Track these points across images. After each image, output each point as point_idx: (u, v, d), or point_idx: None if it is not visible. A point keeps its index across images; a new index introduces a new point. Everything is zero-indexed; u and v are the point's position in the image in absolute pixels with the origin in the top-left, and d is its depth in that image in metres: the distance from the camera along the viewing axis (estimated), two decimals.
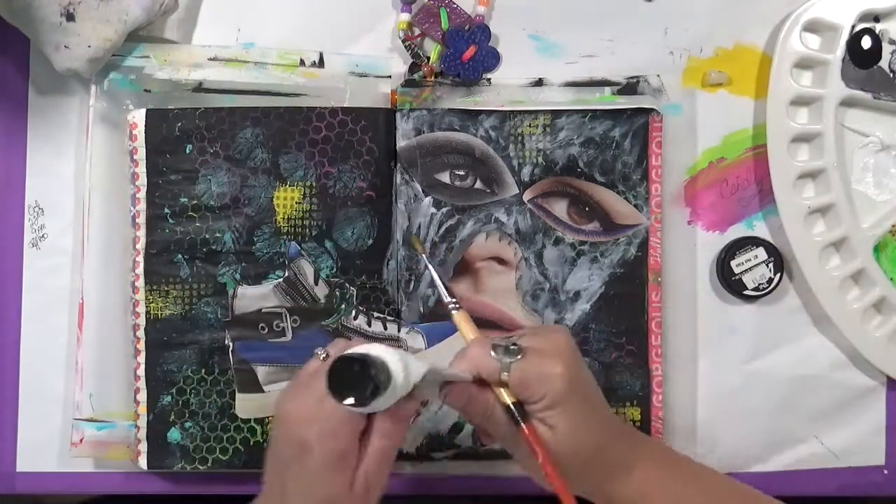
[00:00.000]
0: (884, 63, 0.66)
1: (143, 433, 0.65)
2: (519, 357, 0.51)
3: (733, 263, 0.66)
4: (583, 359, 0.54)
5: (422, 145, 0.65)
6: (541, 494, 0.70)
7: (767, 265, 0.66)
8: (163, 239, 0.65)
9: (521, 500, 0.69)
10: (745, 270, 0.66)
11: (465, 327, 0.55)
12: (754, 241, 0.67)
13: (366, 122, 0.65)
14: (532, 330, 0.57)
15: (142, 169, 0.65)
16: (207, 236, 0.65)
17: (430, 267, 0.61)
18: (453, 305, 0.56)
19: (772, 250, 0.66)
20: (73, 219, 0.67)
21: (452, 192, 0.66)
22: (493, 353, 0.51)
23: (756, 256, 0.66)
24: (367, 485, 0.49)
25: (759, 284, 0.66)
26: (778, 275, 0.66)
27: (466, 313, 0.56)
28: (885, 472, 0.69)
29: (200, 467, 0.65)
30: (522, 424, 0.50)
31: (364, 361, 0.45)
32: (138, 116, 0.65)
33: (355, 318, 0.65)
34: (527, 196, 0.66)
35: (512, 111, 0.65)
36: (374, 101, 0.66)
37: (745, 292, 0.66)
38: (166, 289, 0.65)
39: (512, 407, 0.51)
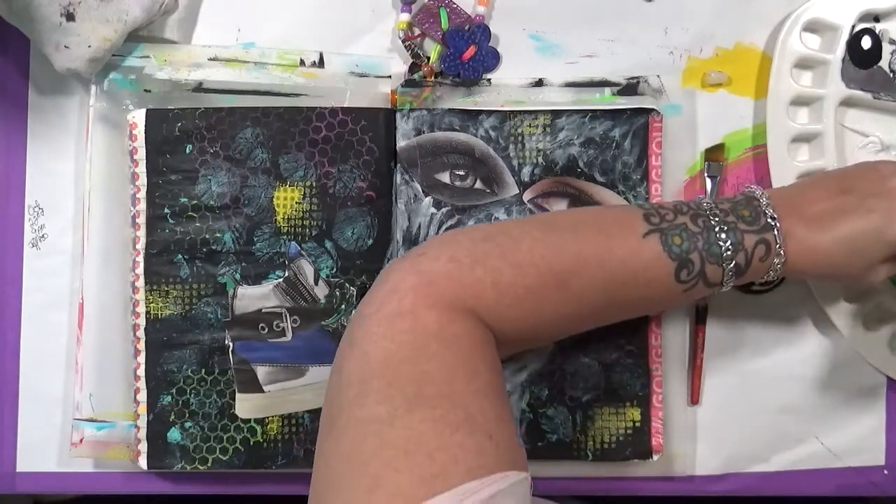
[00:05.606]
0: (884, 63, 0.66)
1: (143, 433, 0.65)
2: None
3: None
4: None
5: (422, 145, 0.65)
6: (537, 494, 0.70)
7: None
8: (163, 239, 0.65)
9: None
10: None
11: None
12: None
13: (366, 122, 0.65)
14: None
15: (142, 169, 0.65)
16: (207, 236, 0.65)
17: None
18: None
19: None
20: (73, 219, 0.67)
21: (452, 192, 0.66)
22: None
23: None
24: None
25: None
26: None
27: None
28: (886, 472, 0.69)
29: (200, 467, 0.65)
30: None
31: None
32: (138, 116, 0.65)
33: None
34: (527, 196, 0.66)
35: (512, 111, 0.65)
36: (374, 101, 0.66)
37: (754, 287, 0.66)
38: (166, 289, 0.65)
39: None
